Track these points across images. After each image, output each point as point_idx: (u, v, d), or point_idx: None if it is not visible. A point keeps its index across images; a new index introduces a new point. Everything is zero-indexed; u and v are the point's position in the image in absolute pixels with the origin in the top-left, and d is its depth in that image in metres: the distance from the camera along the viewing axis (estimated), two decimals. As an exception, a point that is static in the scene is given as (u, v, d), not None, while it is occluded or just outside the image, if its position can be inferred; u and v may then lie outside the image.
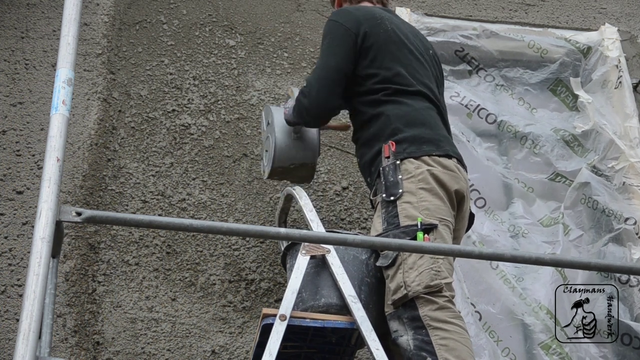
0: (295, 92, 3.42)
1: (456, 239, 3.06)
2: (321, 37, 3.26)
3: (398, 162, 2.94)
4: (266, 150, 3.45)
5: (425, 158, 2.95)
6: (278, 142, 3.33)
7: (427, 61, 3.23)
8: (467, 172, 3.11)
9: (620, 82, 4.21)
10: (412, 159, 2.95)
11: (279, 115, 3.38)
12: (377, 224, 2.93)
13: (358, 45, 3.14)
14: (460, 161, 3.07)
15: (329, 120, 3.33)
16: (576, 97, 4.22)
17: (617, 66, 4.26)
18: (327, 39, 3.21)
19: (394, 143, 2.97)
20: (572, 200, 3.99)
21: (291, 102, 3.34)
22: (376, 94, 3.10)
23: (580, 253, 3.87)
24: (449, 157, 3.01)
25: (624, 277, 3.75)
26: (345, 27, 3.17)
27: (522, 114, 4.24)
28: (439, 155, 2.98)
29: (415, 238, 2.79)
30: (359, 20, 3.18)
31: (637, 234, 3.85)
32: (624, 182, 3.97)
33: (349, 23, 3.18)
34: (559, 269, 3.78)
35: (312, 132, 3.36)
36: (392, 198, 2.90)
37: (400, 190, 2.89)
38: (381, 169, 2.96)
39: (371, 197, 3.05)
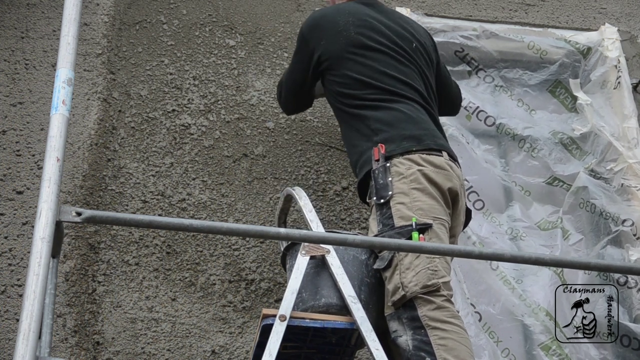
0: None
1: (453, 237, 3.06)
2: None
3: (388, 164, 2.94)
4: None
5: (415, 157, 2.95)
6: None
7: (407, 58, 3.20)
8: (459, 165, 3.10)
9: (619, 83, 4.21)
10: (401, 159, 2.94)
11: None
12: (373, 226, 2.94)
13: (314, 61, 3.25)
14: (451, 155, 3.06)
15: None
16: (575, 98, 4.22)
17: (616, 66, 4.25)
18: (295, 46, 3.40)
19: (383, 145, 2.97)
20: (571, 204, 3.98)
21: None
22: (351, 99, 3.12)
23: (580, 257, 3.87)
24: (439, 153, 3.00)
25: (622, 279, 3.75)
26: (305, 38, 3.30)
27: (521, 116, 4.24)
28: (427, 152, 2.97)
29: (410, 238, 2.79)
30: (320, 31, 3.25)
31: (634, 235, 3.85)
32: (622, 184, 3.96)
33: (310, 34, 3.28)
34: (558, 271, 3.78)
35: None
36: (382, 200, 2.90)
37: (390, 192, 2.90)
38: (371, 171, 2.97)
39: (367, 200, 3.06)
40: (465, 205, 3.13)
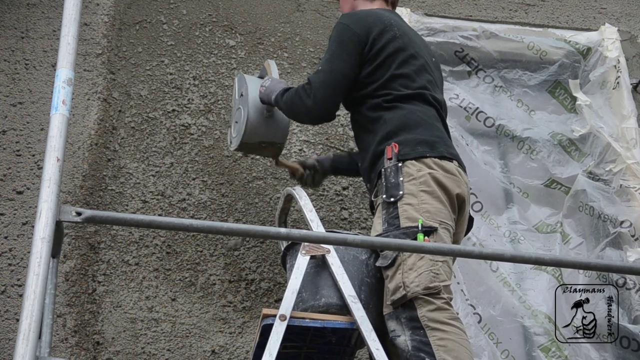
0: (272, 66, 3.40)
1: (455, 242, 3.06)
2: (325, 37, 3.26)
3: (400, 164, 2.94)
4: (235, 122, 3.42)
5: (427, 161, 2.95)
6: (250, 119, 3.32)
7: (430, 66, 3.23)
8: (466, 174, 3.12)
9: (618, 83, 4.21)
10: (413, 162, 2.95)
11: (253, 89, 3.34)
12: (377, 224, 2.94)
13: (365, 52, 3.14)
14: (460, 163, 3.08)
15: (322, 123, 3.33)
16: (575, 99, 4.22)
17: (615, 67, 4.25)
18: (336, 42, 3.19)
19: (396, 145, 2.97)
20: (570, 208, 3.98)
21: (269, 82, 3.32)
22: (377, 98, 3.10)
23: (580, 260, 3.87)
24: (450, 159, 3.01)
25: (621, 280, 3.75)
26: (355, 32, 3.16)
27: (520, 117, 4.24)
28: (439, 158, 2.98)
29: (415, 239, 2.79)
30: (369, 27, 3.17)
31: (633, 236, 3.85)
32: (621, 185, 3.96)
33: (359, 29, 3.17)
34: (557, 275, 3.78)
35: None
36: (392, 199, 2.90)
37: (401, 192, 2.90)
38: (382, 170, 2.97)
39: (372, 198, 3.06)
40: (469, 213, 3.14)
